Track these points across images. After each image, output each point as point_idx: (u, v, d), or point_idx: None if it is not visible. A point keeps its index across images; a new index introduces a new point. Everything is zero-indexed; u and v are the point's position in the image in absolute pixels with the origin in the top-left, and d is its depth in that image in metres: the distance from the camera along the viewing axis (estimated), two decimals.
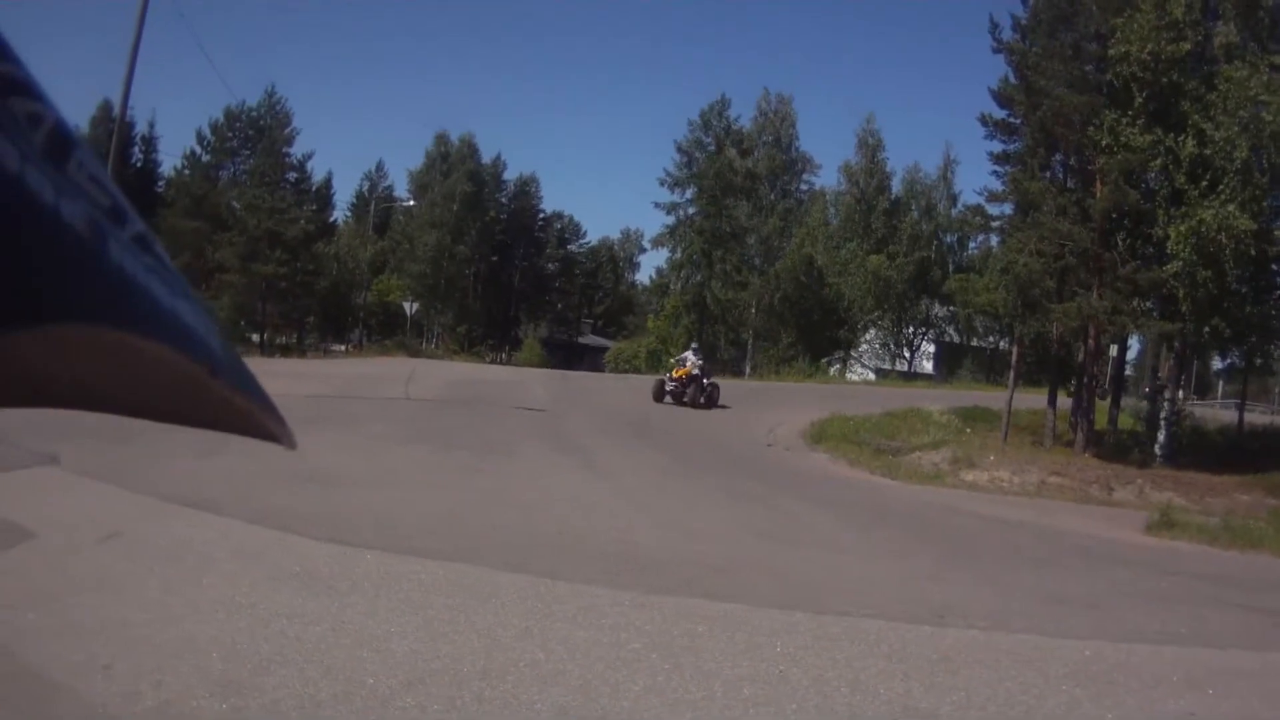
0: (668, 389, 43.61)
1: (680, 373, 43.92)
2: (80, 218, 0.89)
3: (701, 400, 42.73)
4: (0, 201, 0.81)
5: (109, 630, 7.96)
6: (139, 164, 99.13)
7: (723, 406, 43.27)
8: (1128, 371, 47.71)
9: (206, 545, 11.24)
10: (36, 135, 0.89)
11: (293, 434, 1.24)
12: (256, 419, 1.17)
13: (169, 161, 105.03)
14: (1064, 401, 36.69)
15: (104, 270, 0.91)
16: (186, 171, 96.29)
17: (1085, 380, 35.20)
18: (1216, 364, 48.40)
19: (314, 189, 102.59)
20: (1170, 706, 9.24)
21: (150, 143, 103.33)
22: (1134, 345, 42.46)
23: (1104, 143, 31.41)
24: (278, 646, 8.01)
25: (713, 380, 45.11)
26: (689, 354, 45.55)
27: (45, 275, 0.85)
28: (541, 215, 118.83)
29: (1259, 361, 42.04)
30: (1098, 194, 32.51)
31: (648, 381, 47.18)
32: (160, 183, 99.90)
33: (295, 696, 7.07)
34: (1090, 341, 34.40)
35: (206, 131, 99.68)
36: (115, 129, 35.26)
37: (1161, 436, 34.04)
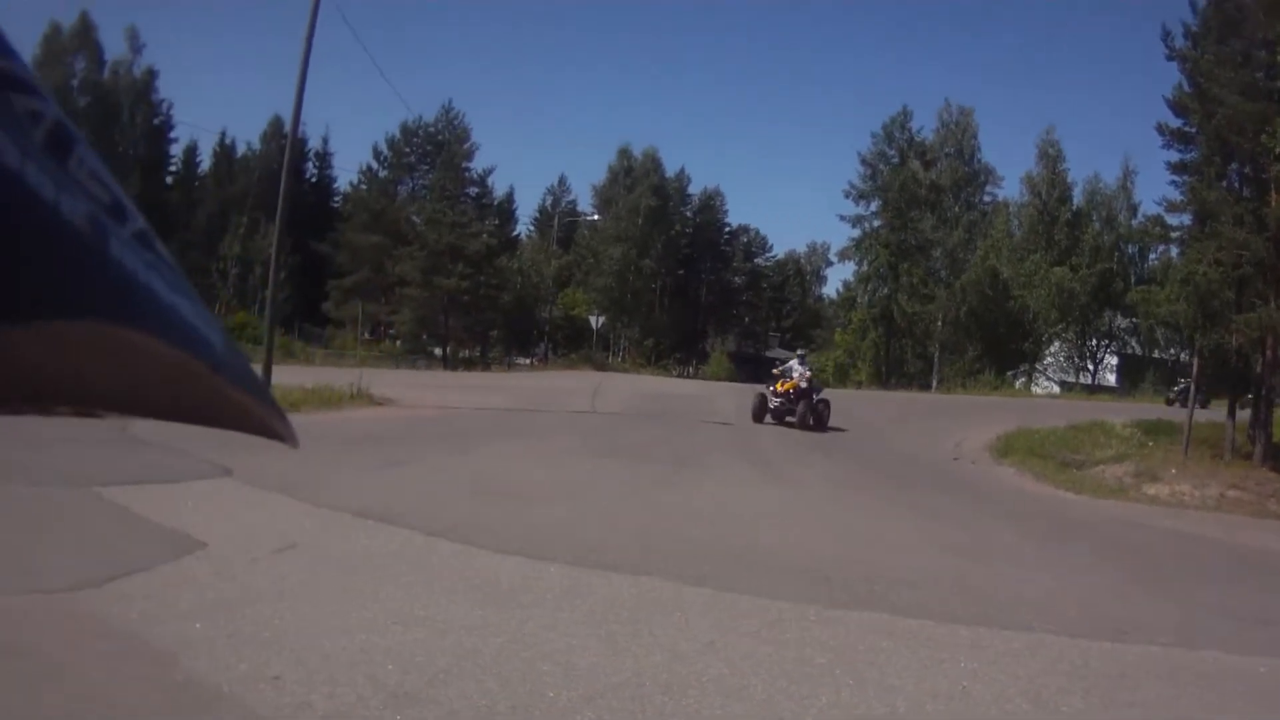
0: (770, 406, 36.22)
1: (785, 386, 36.37)
2: (81, 214, 0.92)
3: (811, 421, 35.52)
4: (0, 198, 0.84)
5: (280, 641, 7.91)
6: (314, 179, 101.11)
7: (836, 429, 36.57)
8: None
9: (385, 558, 11.18)
10: (37, 132, 0.93)
11: (295, 432, 1.26)
12: (258, 416, 1.19)
13: (344, 177, 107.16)
14: (1244, 415, 36.12)
15: (104, 266, 0.94)
16: (364, 187, 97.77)
17: (1263, 392, 34.66)
18: None
19: (496, 204, 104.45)
20: None
21: (325, 158, 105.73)
22: None
23: (1277, 151, 30.97)
24: (455, 658, 7.89)
25: (823, 396, 37.78)
26: (794, 363, 37.70)
27: (45, 271, 0.88)
28: (727, 228, 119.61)
29: None
30: (1273, 202, 32.06)
31: (839, 395, 45.76)
32: (336, 198, 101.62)
33: (473, 709, 6.95)
34: (1268, 353, 33.89)
35: (383, 147, 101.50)
36: (288, 144, 35.87)
37: None
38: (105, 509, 12.17)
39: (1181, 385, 53.66)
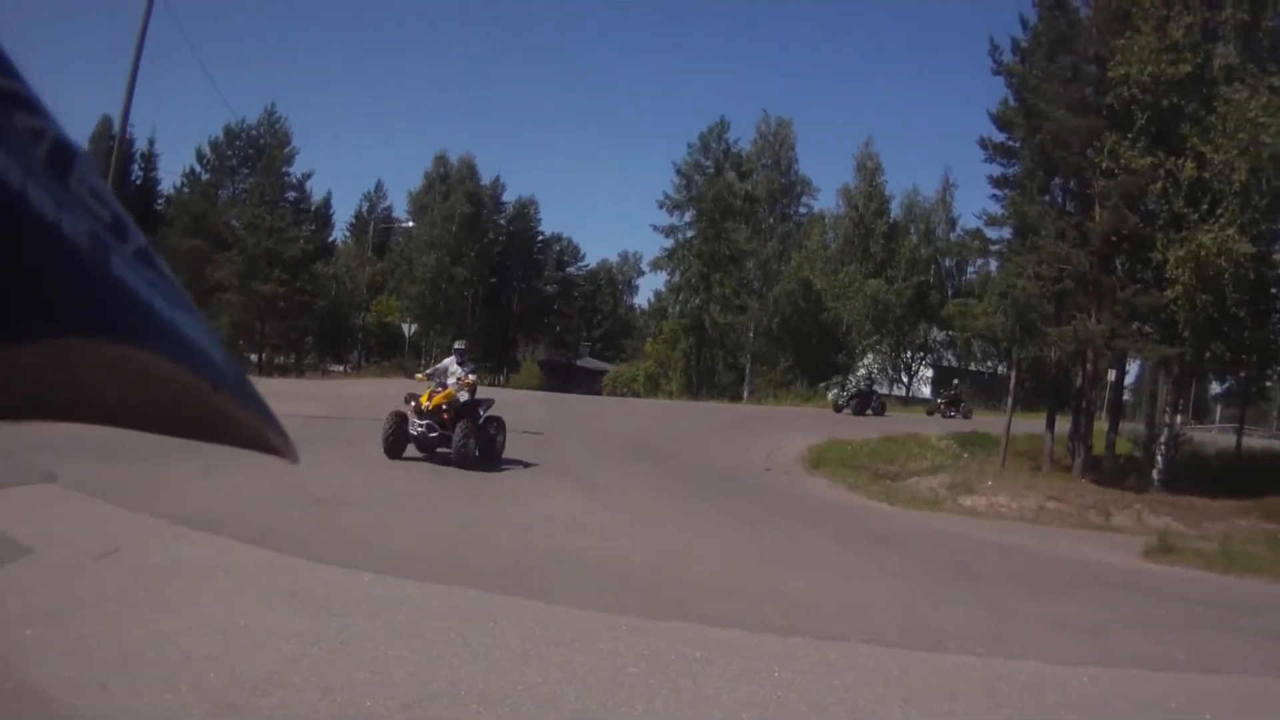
0: (413, 433, 23.58)
1: (436, 400, 23.67)
2: (82, 232, 0.88)
3: (475, 451, 23.34)
4: (2, 216, 0.80)
5: (106, 648, 8.00)
6: (139, 181, 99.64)
7: (520, 462, 25.27)
8: (1126, 396, 47.91)
9: (203, 565, 11.25)
10: (38, 150, 0.88)
11: (295, 448, 1.22)
12: (259, 433, 1.16)
13: (169, 179, 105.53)
14: (1062, 427, 36.67)
15: (106, 284, 0.90)
16: (186, 190, 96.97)
17: (1083, 405, 35.15)
18: (1215, 388, 48.60)
19: (313, 209, 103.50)
20: None
21: (150, 160, 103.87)
22: (1132, 369, 42.46)
23: (1104, 165, 31.45)
24: (275, 667, 8.01)
25: (494, 413, 25.21)
26: (450, 361, 25.30)
27: (47, 289, 0.84)
28: (540, 237, 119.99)
29: (1265, 385, 42.06)
30: (1097, 217, 32.51)
31: (644, 406, 45.62)
32: (160, 200, 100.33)
33: (293, 718, 7.10)
34: (1088, 366, 34.36)
35: (206, 150, 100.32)
36: (115, 145, 35.28)
37: (1159, 461, 33.94)
38: None
39: (948, 394, 54.38)
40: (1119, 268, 32.74)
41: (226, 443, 1.12)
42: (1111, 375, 39.04)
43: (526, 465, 24.90)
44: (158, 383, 0.98)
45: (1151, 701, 10.08)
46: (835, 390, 59.05)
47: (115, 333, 0.90)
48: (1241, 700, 10.70)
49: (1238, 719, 10.16)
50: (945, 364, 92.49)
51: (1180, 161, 30.66)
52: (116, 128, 36.34)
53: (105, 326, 0.89)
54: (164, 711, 6.92)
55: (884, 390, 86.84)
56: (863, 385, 49.99)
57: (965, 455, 36.21)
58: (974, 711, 9.15)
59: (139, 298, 0.94)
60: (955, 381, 54.19)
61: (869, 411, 48.40)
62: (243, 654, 8.30)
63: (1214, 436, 50.67)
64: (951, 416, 52.68)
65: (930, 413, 55.35)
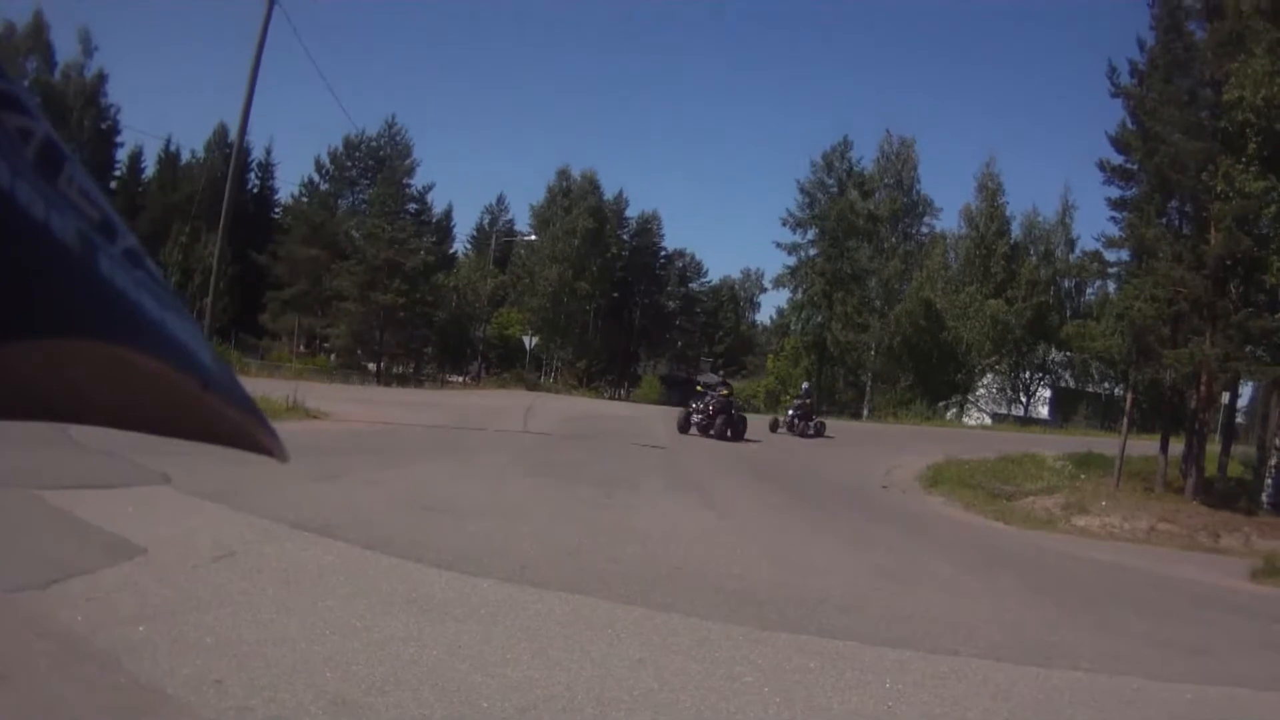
0: (693, 420, 41.61)
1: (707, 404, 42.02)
2: (71, 232, 0.93)
3: (729, 434, 40.71)
4: None
5: (222, 647, 8.00)
6: (255, 190, 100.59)
7: (751, 440, 41.97)
8: (1240, 419, 47.25)
9: (322, 569, 11.27)
10: (27, 150, 0.93)
11: (285, 447, 1.26)
12: (248, 431, 1.20)
13: (286, 189, 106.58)
14: (1176, 448, 36.41)
15: (94, 284, 0.95)
16: (304, 199, 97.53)
17: (1196, 427, 34.93)
18: None
19: (434, 221, 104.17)
20: None
21: (267, 169, 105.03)
22: (1246, 392, 41.94)
23: (1218, 189, 31.20)
24: (392, 669, 8.02)
25: (742, 413, 44.82)
26: (712, 379, 46.14)
27: (36, 289, 0.89)
28: (663, 253, 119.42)
29: None
30: (1212, 240, 32.34)
31: (763, 421, 46.59)
32: (276, 209, 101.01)
33: (409, 718, 7.11)
34: (1202, 388, 34.16)
35: (325, 160, 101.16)
36: (233, 153, 35.76)
37: (1268, 484, 33.71)
38: (47, 512, 12.14)
39: (798, 401, 51.08)
40: (1233, 291, 32.47)
41: (216, 441, 1.17)
42: (1225, 398, 38.66)
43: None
44: (146, 382, 1.02)
45: (1252, 719, 10.16)
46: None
47: (104, 332, 0.95)
48: None
49: None
50: (1063, 385, 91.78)
51: None
52: (234, 135, 36.83)
53: (94, 326, 0.94)
54: (280, 709, 6.92)
55: (1004, 410, 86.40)
56: (806, 401, 50.45)
57: (1081, 476, 35.95)
58: None
59: (127, 297, 0.98)
60: (805, 386, 51.85)
61: (811, 433, 47.23)
62: (360, 655, 8.31)
63: None
64: (808, 435, 48.49)
65: (774, 428, 49.34)
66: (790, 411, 50.38)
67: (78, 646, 7.74)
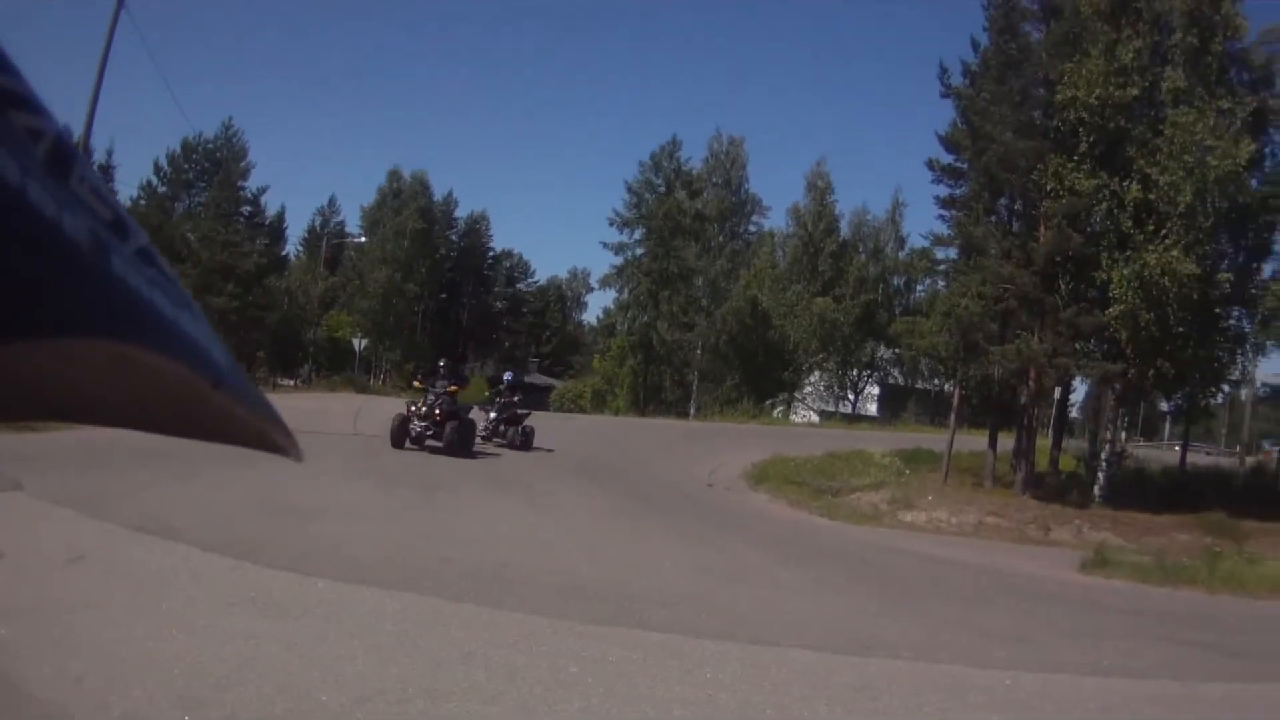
0: (412, 431, 30.58)
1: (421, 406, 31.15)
2: (83, 231, 0.92)
3: (456, 440, 30.32)
4: (2, 215, 0.83)
5: (79, 646, 8.26)
6: None
7: (536, 447, 35.01)
8: (1073, 414, 48.10)
9: (166, 570, 11.46)
10: (38, 149, 0.91)
11: (300, 447, 1.26)
12: (262, 431, 1.19)
13: (125, 191, 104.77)
14: (1006, 444, 36.93)
15: (107, 283, 0.94)
16: (143, 202, 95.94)
17: (1026, 422, 35.45)
18: (1164, 406, 48.73)
19: (267, 223, 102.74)
20: None
21: (108, 172, 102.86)
22: (1080, 388, 42.70)
23: (1049, 187, 31.84)
24: (235, 665, 8.30)
25: (469, 417, 32.28)
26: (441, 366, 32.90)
27: (48, 289, 0.87)
28: (491, 253, 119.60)
29: (1202, 403, 42.38)
30: (1041, 238, 32.87)
31: (590, 422, 44.58)
32: None
33: (253, 712, 7.38)
34: (1031, 384, 34.65)
35: (164, 163, 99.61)
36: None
37: (1101, 477, 34.36)
38: None
39: (494, 409, 36.87)
40: (1062, 288, 33.08)
41: (228, 441, 1.16)
42: (1058, 393, 39.27)
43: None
44: (158, 381, 1.01)
45: (1072, 703, 10.46)
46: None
47: (117, 331, 0.94)
48: (1163, 702, 11.05)
49: (1157, 718, 10.55)
50: (892, 381, 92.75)
51: (1126, 183, 31.13)
52: (78, 138, 36.00)
53: (107, 325, 0.93)
54: (133, 705, 7.21)
55: (831, 408, 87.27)
56: (511, 399, 37.22)
57: (908, 471, 36.40)
58: (897, 710, 9.50)
59: (140, 296, 0.97)
60: (509, 376, 34.75)
61: (519, 443, 35.53)
62: (204, 653, 8.57)
63: (1162, 453, 51.30)
64: (515, 445, 35.99)
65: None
66: (492, 413, 36.17)
67: None
